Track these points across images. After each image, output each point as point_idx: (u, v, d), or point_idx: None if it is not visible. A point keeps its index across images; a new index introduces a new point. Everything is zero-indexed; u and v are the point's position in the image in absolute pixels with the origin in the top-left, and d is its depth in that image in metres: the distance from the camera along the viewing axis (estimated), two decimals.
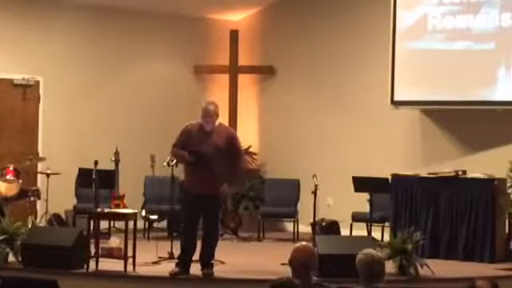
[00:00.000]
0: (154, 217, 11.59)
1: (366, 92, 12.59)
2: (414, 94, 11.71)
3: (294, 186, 12.35)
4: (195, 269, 8.89)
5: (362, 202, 10.87)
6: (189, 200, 8.94)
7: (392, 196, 10.80)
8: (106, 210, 9.77)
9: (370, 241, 9.28)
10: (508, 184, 10.39)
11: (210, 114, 8.88)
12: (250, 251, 11.30)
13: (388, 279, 5.81)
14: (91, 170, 9.90)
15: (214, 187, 8.81)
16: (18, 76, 12.55)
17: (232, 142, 9.03)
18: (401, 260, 8.95)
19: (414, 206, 10.67)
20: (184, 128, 9.06)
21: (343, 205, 11.87)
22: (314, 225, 10.49)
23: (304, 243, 5.81)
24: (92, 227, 9.35)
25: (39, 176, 12.28)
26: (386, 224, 11.07)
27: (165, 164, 9.61)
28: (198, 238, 8.95)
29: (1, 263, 8.96)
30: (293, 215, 12.13)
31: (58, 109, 12.81)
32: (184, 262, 8.88)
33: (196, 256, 8.94)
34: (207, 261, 8.88)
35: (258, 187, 13.08)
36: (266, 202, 12.64)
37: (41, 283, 5.83)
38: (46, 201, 11.53)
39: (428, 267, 8.99)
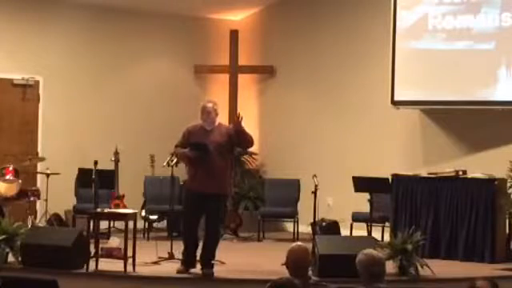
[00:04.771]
0: (154, 217, 11.59)
1: (366, 92, 12.58)
2: (414, 94, 11.70)
3: (294, 186, 12.34)
4: (195, 269, 8.89)
5: (362, 202, 10.85)
6: (191, 199, 8.94)
7: (392, 196, 10.79)
8: (106, 210, 9.77)
9: (370, 241, 9.27)
10: (508, 184, 10.37)
11: (208, 111, 8.90)
12: (250, 251, 11.29)
13: (388, 279, 5.80)
14: (91, 169, 9.89)
15: (215, 185, 8.82)
16: (17, 76, 12.55)
17: (231, 131, 9.01)
18: (401, 260, 8.94)
19: (414, 205, 10.66)
20: (185, 130, 9.11)
21: (343, 205, 11.85)
22: (313, 225, 10.49)
23: (298, 243, 5.88)
24: (92, 227, 9.35)
25: (39, 176, 12.27)
26: (386, 224, 11.06)
27: (164, 164, 9.62)
28: (199, 236, 8.97)
29: (1, 263, 8.95)
30: (293, 215, 12.12)
31: (57, 109, 12.80)
32: (188, 257, 8.90)
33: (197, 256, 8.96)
34: (208, 261, 8.87)
35: (258, 187, 13.07)
36: (266, 202, 12.63)
37: (41, 283, 5.81)
38: (46, 201, 11.54)
39: (428, 267, 8.98)
